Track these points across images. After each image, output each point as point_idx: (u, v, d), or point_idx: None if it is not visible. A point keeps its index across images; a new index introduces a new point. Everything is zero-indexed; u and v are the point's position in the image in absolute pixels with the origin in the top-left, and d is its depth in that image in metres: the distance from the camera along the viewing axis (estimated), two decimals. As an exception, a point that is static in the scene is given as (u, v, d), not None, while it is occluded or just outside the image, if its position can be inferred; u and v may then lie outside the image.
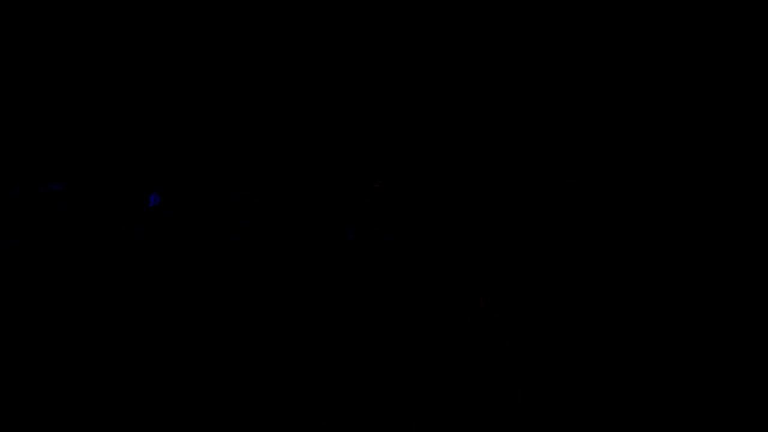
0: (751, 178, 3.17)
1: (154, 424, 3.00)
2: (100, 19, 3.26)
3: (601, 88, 3.26)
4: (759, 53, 3.21)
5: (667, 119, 3.25)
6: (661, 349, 3.03)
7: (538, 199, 3.22)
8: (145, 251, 3.25)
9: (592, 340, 3.07)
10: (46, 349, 3.11)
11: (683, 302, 3.08)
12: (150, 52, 3.28)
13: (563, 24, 3.24)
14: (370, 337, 3.13)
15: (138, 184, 3.29)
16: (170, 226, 3.28)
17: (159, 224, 3.27)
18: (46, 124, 3.30)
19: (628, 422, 2.94)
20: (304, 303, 3.19)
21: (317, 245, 3.24)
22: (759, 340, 3.00)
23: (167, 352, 3.12)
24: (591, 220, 3.18)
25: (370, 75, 3.30)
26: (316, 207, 3.27)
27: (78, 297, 3.19)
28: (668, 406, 2.96)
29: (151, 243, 3.26)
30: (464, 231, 3.23)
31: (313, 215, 3.27)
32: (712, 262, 3.12)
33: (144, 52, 3.28)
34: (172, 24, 3.26)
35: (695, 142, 3.23)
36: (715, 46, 3.23)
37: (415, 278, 3.19)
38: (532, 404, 2.99)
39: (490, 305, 3.15)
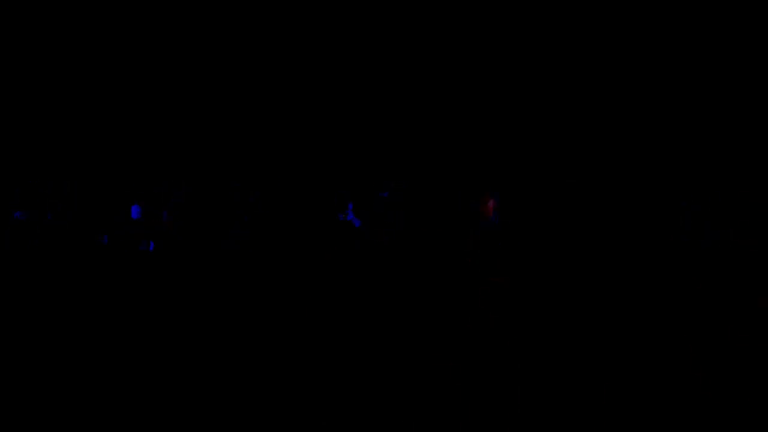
0: (748, 178, 3.18)
1: (154, 424, 3.00)
2: (101, 19, 3.27)
3: (603, 90, 3.26)
4: (756, 57, 3.22)
5: (667, 120, 3.25)
6: (663, 349, 3.03)
7: (538, 198, 3.22)
8: (144, 250, 3.25)
9: (593, 339, 3.06)
10: (45, 350, 3.11)
11: (684, 303, 3.09)
12: (151, 52, 3.28)
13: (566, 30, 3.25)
14: (370, 336, 3.13)
15: (139, 183, 3.29)
16: (170, 226, 3.28)
17: (159, 223, 3.27)
18: (46, 123, 3.30)
19: (628, 422, 2.94)
20: (304, 302, 3.19)
21: (317, 244, 3.24)
22: (759, 341, 3.00)
23: (166, 351, 3.11)
24: (591, 220, 3.18)
25: (368, 76, 3.31)
26: (317, 206, 3.27)
27: (76, 297, 3.18)
28: (668, 406, 2.95)
29: (151, 242, 3.25)
30: (464, 230, 3.23)
31: (314, 214, 3.27)
32: (712, 262, 3.12)
33: (145, 52, 3.29)
34: (170, 22, 3.26)
35: (695, 143, 3.23)
36: (713, 50, 3.24)
37: (415, 278, 3.19)
38: (532, 404, 2.98)
39: (491, 304, 3.15)
